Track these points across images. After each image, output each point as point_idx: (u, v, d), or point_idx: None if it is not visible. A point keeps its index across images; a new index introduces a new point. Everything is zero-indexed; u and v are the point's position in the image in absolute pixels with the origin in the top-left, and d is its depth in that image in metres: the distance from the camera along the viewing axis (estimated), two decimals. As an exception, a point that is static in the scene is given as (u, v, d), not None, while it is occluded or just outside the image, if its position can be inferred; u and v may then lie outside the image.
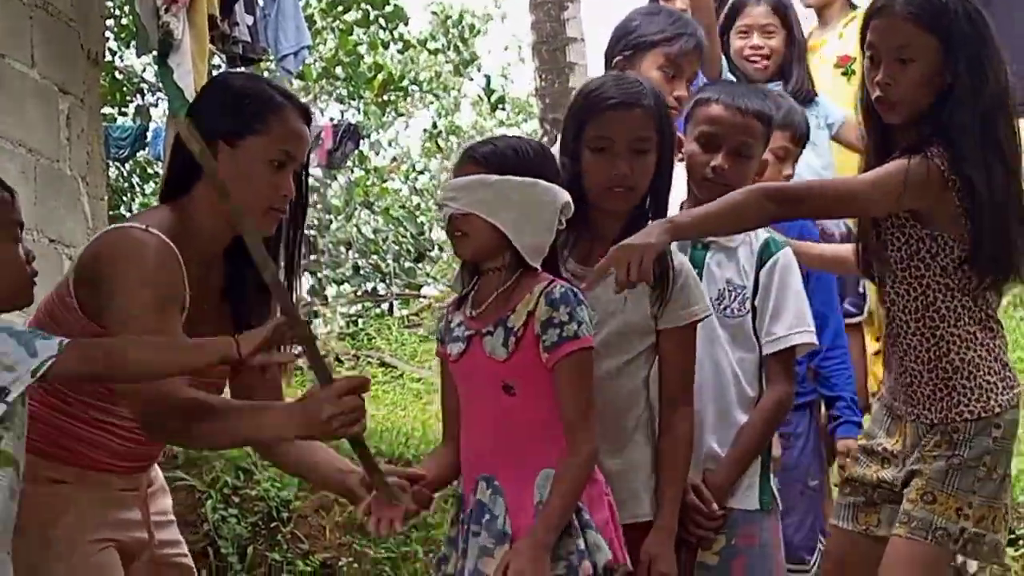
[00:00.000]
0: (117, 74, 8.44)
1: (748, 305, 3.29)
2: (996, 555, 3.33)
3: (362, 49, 11.62)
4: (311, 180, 4.55)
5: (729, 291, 3.30)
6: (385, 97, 11.79)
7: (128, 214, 8.90)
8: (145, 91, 8.75)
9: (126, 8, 6.44)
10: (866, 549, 3.11)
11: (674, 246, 3.03)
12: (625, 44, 3.99)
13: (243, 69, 6.94)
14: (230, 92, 2.92)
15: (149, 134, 9.59)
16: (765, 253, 3.30)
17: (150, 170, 9.13)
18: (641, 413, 3.03)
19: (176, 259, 2.72)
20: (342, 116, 10.67)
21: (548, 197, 2.85)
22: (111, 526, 2.93)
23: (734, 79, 4.62)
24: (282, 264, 3.01)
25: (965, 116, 3.00)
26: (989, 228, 3.00)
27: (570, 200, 2.90)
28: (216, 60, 7.05)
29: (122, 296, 2.66)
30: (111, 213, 7.95)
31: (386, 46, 12.08)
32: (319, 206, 10.98)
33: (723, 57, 4.70)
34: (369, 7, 11.39)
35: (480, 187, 2.83)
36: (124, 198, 9.08)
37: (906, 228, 2.91)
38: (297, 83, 10.39)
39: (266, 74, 6.90)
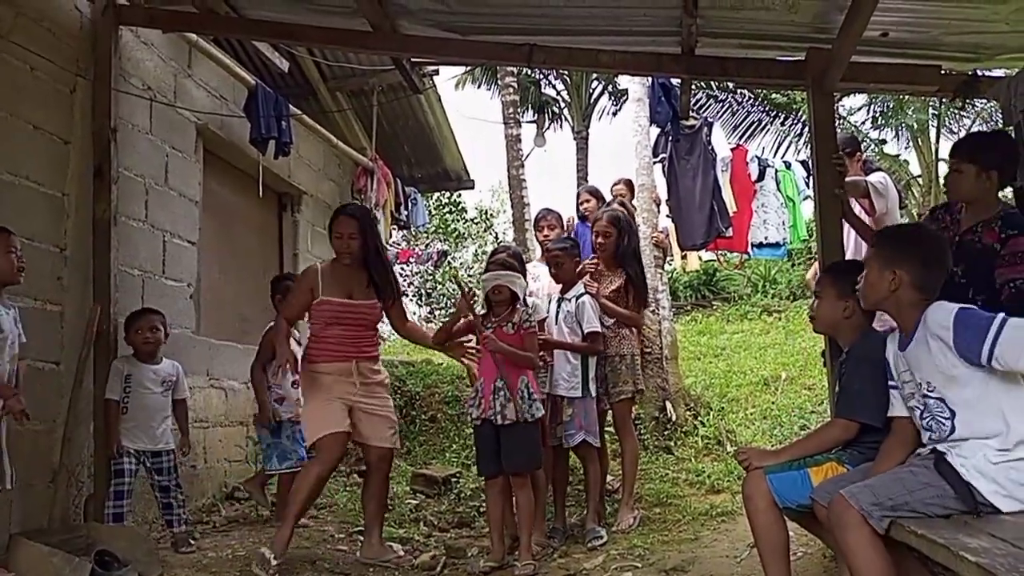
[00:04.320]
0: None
1: (576, 319, 4.13)
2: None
3: (449, 221, 14.91)
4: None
5: (571, 313, 4.16)
6: (456, 241, 15.32)
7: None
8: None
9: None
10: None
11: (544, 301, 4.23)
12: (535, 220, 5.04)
13: (402, 231, 8.13)
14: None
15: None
16: (579, 302, 4.15)
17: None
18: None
19: (308, 274, 3.77)
20: (443, 246, 13.89)
21: (524, 281, 3.81)
22: (338, 392, 3.62)
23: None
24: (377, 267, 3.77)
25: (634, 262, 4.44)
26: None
27: (527, 283, 3.90)
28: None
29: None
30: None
31: (458, 220, 15.39)
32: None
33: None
34: (452, 206, 14.91)
35: (507, 275, 3.72)
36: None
37: None
38: (423, 234, 13.47)
39: (411, 229, 8.44)
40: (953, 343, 2.10)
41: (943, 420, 2.16)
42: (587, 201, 5.53)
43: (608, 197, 5.71)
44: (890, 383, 2.39)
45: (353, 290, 3.73)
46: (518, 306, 3.65)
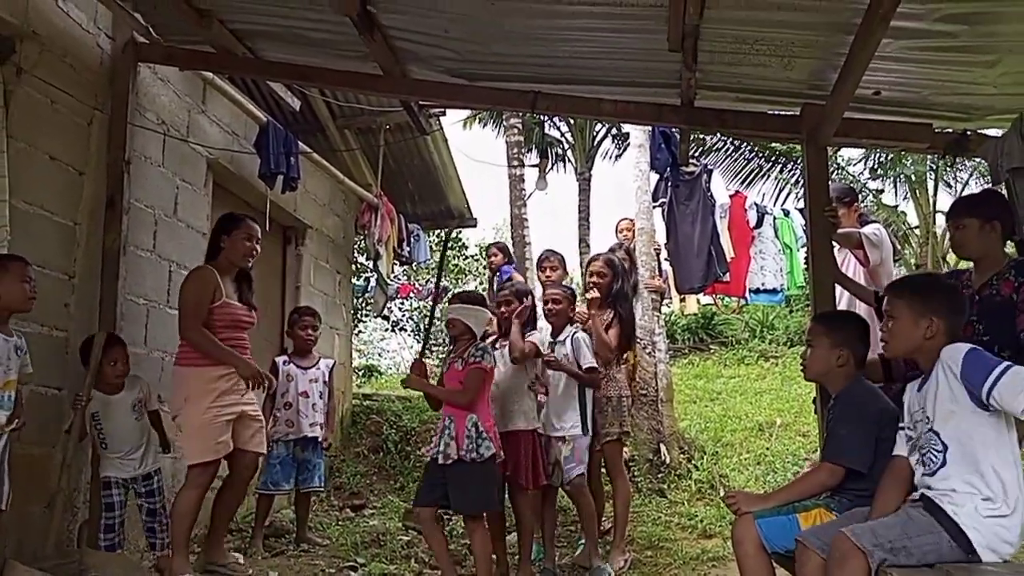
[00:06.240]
0: (357, 265, 9.80)
1: (574, 357, 4.19)
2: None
3: (450, 257, 14.83)
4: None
5: (566, 355, 4.24)
6: (456, 277, 15.10)
7: (356, 321, 11.12)
8: (368, 271, 10.13)
9: (364, 241, 7.72)
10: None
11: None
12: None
13: (404, 267, 8.15)
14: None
15: (368, 288, 10.70)
16: (573, 339, 4.22)
17: (367, 302, 10.99)
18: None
19: (208, 275, 3.71)
20: (443, 282, 13.64)
21: (484, 316, 3.83)
22: (228, 403, 3.63)
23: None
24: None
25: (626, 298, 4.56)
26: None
27: (492, 316, 4.07)
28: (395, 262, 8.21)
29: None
30: (354, 317, 9.71)
31: (457, 258, 15.23)
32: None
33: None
34: (453, 242, 14.95)
35: (463, 310, 3.78)
36: (356, 312, 10.88)
37: None
38: (423, 270, 13.24)
39: (413, 265, 8.74)
40: (960, 373, 2.19)
41: (936, 453, 2.24)
42: (495, 255, 6.35)
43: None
44: (900, 424, 2.46)
45: (239, 297, 3.78)
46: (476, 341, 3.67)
